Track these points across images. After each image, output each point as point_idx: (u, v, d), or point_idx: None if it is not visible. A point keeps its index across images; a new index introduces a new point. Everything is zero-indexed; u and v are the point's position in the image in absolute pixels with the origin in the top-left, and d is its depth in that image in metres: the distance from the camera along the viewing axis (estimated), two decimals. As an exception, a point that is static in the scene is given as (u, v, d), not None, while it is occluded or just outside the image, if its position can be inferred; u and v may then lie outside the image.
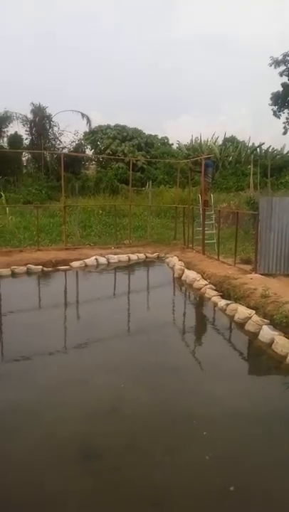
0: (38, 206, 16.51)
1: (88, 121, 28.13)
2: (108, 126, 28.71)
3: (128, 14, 58.76)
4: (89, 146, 29.21)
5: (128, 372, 5.29)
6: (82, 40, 56.56)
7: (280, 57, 20.82)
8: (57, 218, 16.75)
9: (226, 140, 30.62)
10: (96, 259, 11.96)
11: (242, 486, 3.25)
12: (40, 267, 10.80)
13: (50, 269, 10.94)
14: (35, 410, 4.32)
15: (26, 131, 26.50)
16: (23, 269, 10.52)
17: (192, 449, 3.73)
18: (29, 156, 26.76)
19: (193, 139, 31.00)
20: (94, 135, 28.26)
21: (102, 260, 12.08)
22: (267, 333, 6.19)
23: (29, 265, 10.69)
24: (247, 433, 4.02)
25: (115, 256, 12.44)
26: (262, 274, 8.94)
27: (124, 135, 27.83)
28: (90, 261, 11.77)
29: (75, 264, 11.41)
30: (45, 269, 10.82)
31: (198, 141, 30.39)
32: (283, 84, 21.59)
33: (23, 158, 26.94)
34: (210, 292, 8.66)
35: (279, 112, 22.50)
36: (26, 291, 9.44)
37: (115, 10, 59.09)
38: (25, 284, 10.01)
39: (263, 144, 27.56)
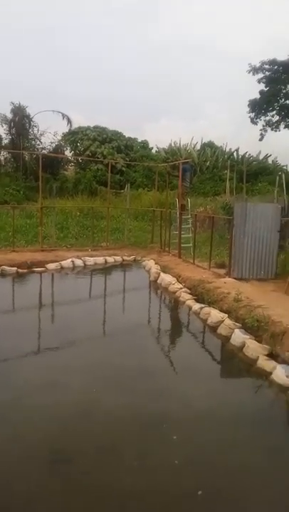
0: (15, 207, 16.30)
1: (69, 121, 27.95)
2: (88, 128, 28.60)
3: (110, 15, 58.71)
4: (68, 147, 29.04)
5: (100, 375, 5.29)
6: (63, 39, 56.07)
7: (258, 65, 21.26)
8: (34, 219, 16.59)
9: (204, 145, 30.95)
10: (72, 261, 11.90)
11: (210, 489, 3.30)
12: (15, 268, 10.67)
13: (25, 270, 10.82)
14: (3, 412, 4.28)
15: (5, 130, 26.15)
16: (-3, 270, 10.39)
17: (162, 454, 3.75)
18: (8, 155, 26.37)
19: (172, 142, 31.25)
20: (74, 136, 28.10)
21: (79, 262, 12.03)
22: (238, 336, 6.29)
23: (3, 266, 10.54)
24: (217, 436, 4.08)
25: (92, 258, 12.41)
26: (235, 279, 9.09)
27: (104, 137, 27.77)
28: (66, 263, 11.71)
29: (51, 266, 11.33)
30: (19, 270, 10.69)
31: (177, 145, 30.64)
32: (261, 92, 22.04)
33: (1, 158, 26.54)
34: (185, 296, 8.75)
35: (256, 118, 22.96)
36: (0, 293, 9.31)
37: (97, 10, 58.92)
38: (-1, 285, 9.87)
39: (238, 149, 28.05)
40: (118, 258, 12.98)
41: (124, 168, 26.54)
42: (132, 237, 15.70)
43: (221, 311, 7.31)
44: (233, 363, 6.05)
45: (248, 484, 3.41)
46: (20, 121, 25.93)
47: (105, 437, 3.99)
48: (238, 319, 6.83)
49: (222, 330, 6.78)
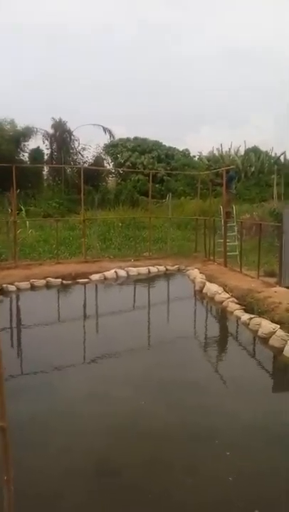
0: (58, 219, 16.59)
1: (110, 134, 28.43)
2: (128, 139, 28.91)
3: (148, 28, 59.49)
4: (109, 159, 29.47)
5: (148, 388, 5.12)
6: (103, 56, 57.48)
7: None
8: (77, 231, 16.78)
9: (248, 150, 30.37)
10: (116, 271, 11.83)
11: (266, 508, 3.06)
12: (60, 280, 10.73)
13: (69, 282, 10.86)
14: (53, 424, 4.24)
15: (47, 146, 26.95)
16: (43, 282, 10.47)
17: (214, 469, 3.53)
18: (49, 169, 27.13)
19: (215, 150, 30.92)
20: (114, 148, 28.49)
21: (122, 273, 11.94)
22: (293, 349, 5.89)
23: (48, 278, 10.63)
24: (273, 453, 3.80)
25: (135, 269, 12.28)
26: (286, 288, 8.61)
27: (143, 147, 27.93)
28: (110, 274, 11.65)
29: (95, 277, 11.31)
30: (64, 282, 10.74)
31: (220, 152, 30.26)
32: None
33: (44, 172, 27.33)
34: (232, 306, 8.38)
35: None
36: (46, 305, 9.37)
37: (136, 23, 59.98)
38: (44, 297, 9.94)
39: (284, 152, 27.17)
40: (161, 268, 12.78)
41: (165, 177, 26.49)
42: (175, 247, 15.47)
43: (272, 321, 6.90)
44: (288, 376, 5.66)
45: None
46: (61, 136, 26.64)
47: (154, 451, 3.81)
48: (292, 330, 6.40)
49: (274, 341, 6.37)
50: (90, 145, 27.70)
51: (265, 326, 6.78)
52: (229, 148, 30.36)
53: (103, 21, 56.02)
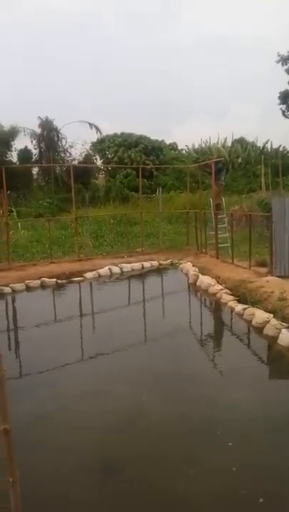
0: (50, 219, 16.60)
1: (97, 130, 28.30)
2: (115, 135, 28.81)
3: (130, 20, 59.03)
4: (98, 156, 29.36)
5: (148, 381, 5.24)
6: (82, 49, 56.97)
7: (287, 54, 20.62)
8: (69, 230, 16.81)
9: (234, 141, 30.44)
10: (109, 268, 11.92)
11: (271, 496, 3.15)
12: (54, 279, 10.81)
13: (64, 281, 10.94)
14: (55, 422, 4.34)
15: (34, 145, 26.80)
16: (38, 282, 10.54)
17: (218, 460, 3.63)
18: (39, 169, 27.01)
19: (202, 142, 30.95)
20: (101, 144, 28.39)
21: (116, 269, 12.03)
22: (286, 336, 6.05)
23: (43, 278, 10.70)
24: (274, 440, 3.92)
25: (128, 265, 12.38)
26: (278, 277, 8.76)
27: (130, 142, 27.84)
28: (104, 271, 11.74)
29: (89, 275, 11.39)
30: (59, 281, 10.82)
31: (207, 144, 30.31)
32: (290, 82, 21.40)
33: (33, 172, 27.20)
34: (226, 297, 8.53)
35: (288, 111, 22.26)
36: (41, 305, 9.44)
37: (116, 16, 59.52)
38: (40, 297, 10.02)
39: (268, 141, 27.36)
40: (154, 262, 12.89)
41: (154, 172, 26.48)
42: (167, 241, 15.58)
43: (266, 311, 7.06)
44: (283, 364, 5.82)
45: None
46: (49, 135, 26.50)
47: (156, 444, 3.92)
48: (285, 319, 6.58)
49: (268, 330, 6.53)
50: (77, 142, 27.60)
51: (259, 315, 6.92)
52: (217, 141, 30.43)
53: (85, 12, 55.51)
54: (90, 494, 3.27)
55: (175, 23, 56.35)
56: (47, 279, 10.70)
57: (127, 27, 57.44)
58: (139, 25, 58.49)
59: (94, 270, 11.65)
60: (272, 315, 6.76)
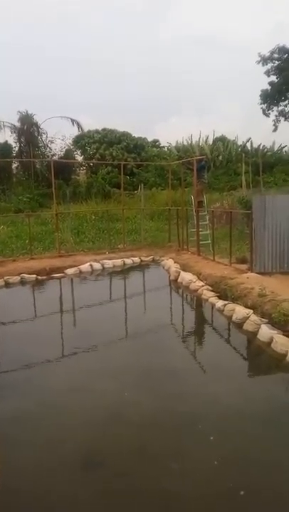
0: (30, 214, 16.37)
1: (78, 126, 28.06)
2: (96, 131, 28.60)
3: (117, 16, 58.78)
4: (79, 152, 29.12)
5: (129, 377, 5.23)
6: (67, 43, 56.39)
7: (267, 54, 20.86)
8: (49, 226, 16.63)
9: (216, 139, 30.64)
10: (90, 265, 11.85)
11: (251, 490, 3.20)
12: (34, 275, 10.67)
13: (44, 277, 10.82)
14: (37, 418, 4.30)
15: (14, 139, 26.38)
16: (17, 278, 10.40)
17: (200, 454, 3.66)
18: (18, 164, 26.60)
19: (184, 140, 31.06)
20: (82, 140, 28.15)
21: (97, 266, 11.97)
22: (265, 332, 6.13)
23: (23, 274, 10.55)
24: (254, 433, 3.97)
25: (110, 261, 12.33)
26: (258, 273, 8.88)
27: (111, 138, 27.70)
28: (85, 267, 11.66)
29: (70, 271, 11.30)
30: (39, 277, 10.69)
31: (189, 142, 30.43)
32: (271, 83, 21.64)
33: (13, 167, 26.77)
34: (207, 293, 8.59)
35: (268, 110, 22.54)
36: (21, 301, 9.32)
37: (102, 11, 59.12)
38: (19, 293, 9.87)
39: (250, 139, 27.64)
40: (136, 259, 12.88)
41: (134, 170, 26.43)
42: (149, 238, 15.58)
43: (246, 306, 7.14)
44: (262, 359, 5.90)
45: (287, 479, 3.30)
46: (29, 130, 26.12)
47: (140, 439, 3.93)
48: (264, 314, 6.66)
49: (248, 326, 6.61)
50: (58, 137, 27.31)
51: (239, 311, 7.00)
52: (199, 138, 30.57)
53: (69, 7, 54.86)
54: (71, 489, 3.26)
55: (163, 20, 56.42)
56: (26, 275, 10.56)
57: (114, 23, 57.25)
58: (126, 21, 58.31)
59: (75, 266, 11.55)
60: (252, 311, 6.84)
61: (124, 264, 12.47)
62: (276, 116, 22.61)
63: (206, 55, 56.42)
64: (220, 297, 8.21)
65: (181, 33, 59.72)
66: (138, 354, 6.08)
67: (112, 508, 3.13)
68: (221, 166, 27.47)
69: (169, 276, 10.76)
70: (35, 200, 21.66)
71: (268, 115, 22.61)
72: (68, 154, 27.35)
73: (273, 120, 22.79)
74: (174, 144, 31.53)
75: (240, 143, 30.21)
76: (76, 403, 4.62)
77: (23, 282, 10.41)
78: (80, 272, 11.46)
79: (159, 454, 3.70)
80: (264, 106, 22.34)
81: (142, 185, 19.04)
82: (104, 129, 28.81)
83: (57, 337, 6.99)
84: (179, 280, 10.11)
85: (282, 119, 22.57)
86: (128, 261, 12.64)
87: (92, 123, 39.48)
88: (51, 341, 6.69)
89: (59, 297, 9.66)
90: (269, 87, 21.67)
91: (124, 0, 57.34)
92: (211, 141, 30.60)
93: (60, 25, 56.50)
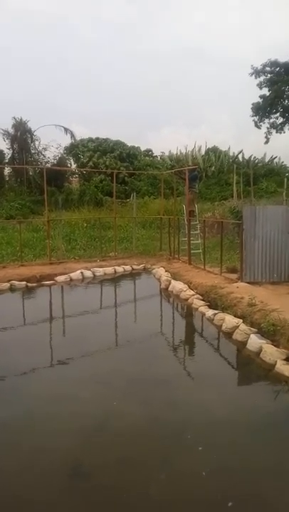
0: (21, 221, 16.32)
1: (72, 135, 28.18)
2: (90, 139, 28.73)
3: (107, 28, 59.43)
4: (72, 160, 29.21)
5: (118, 386, 5.19)
6: (62, 54, 56.83)
7: (260, 67, 21.16)
8: (41, 233, 16.59)
9: (208, 150, 30.95)
10: (81, 272, 11.82)
11: (239, 500, 3.19)
12: (24, 282, 10.61)
13: (34, 284, 10.76)
14: (23, 426, 4.25)
15: (7, 145, 26.40)
16: (7, 285, 10.32)
17: (188, 465, 3.64)
18: (11, 170, 26.58)
19: (178, 150, 31.35)
20: (75, 148, 28.23)
21: (88, 274, 11.94)
22: (255, 341, 6.15)
23: (12, 281, 10.48)
24: (243, 443, 3.97)
25: (101, 269, 12.32)
26: (248, 283, 8.93)
27: (105, 147, 27.84)
28: (76, 275, 11.62)
29: (60, 278, 11.25)
30: (29, 284, 10.63)
31: (183, 151, 30.72)
32: (262, 96, 21.91)
33: (5, 173, 26.74)
34: (197, 302, 8.61)
35: (260, 122, 22.79)
36: (10, 308, 9.24)
37: (94, 23, 59.75)
38: (8, 300, 9.79)
39: (242, 150, 27.96)
40: (127, 267, 12.88)
41: (127, 178, 26.54)
42: (141, 246, 15.60)
43: (235, 316, 7.17)
44: (251, 369, 5.90)
45: (278, 492, 3.32)
46: (22, 136, 26.16)
47: (127, 449, 3.89)
48: (254, 324, 6.69)
49: (237, 335, 6.62)
50: (51, 145, 27.38)
51: (229, 320, 7.02)
52: (193, 148, 30.86)
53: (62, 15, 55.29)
54: (56, 498, 3.22)
55: (153, 32, 57.07)
56: (17, 282, 10.50)
57: (107, 34, 57.78)
58: (118, 33, 58.91)
59: (66, 274, 11.51)
60: (241, 320, 6.87)
61: (116, 272, 12.46)
62: (268, 128, 22.86)
63: (199, 67, 57.18)
64: (210, 306, 8.24)
65: (173, 46, 60.59)
66: (127, 363, 6.04)
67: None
68: (213, 176, 27.73)
69: (160, 285, 10.77)
70: (27, 206, 21.63)
71: (259, 127, 22.85)
72: (61, 162, 27.41)
73: (265, 132, 23.04)
74: (167, 154, 31.77)
75: (232, 154, 30.57)
76: (63, 411, 4.57)
77: (12, 289, 10.33)
78: (71, 279, 11.42)
79: (146, 463, 3.68)
80: (256, 118, 22.59)
81: (135, 193, 19.12)
82: (98, 138, 28.97)
83: (45, 345, 6.91)
84: (170, 289, 10.13)
85: (273, 131, 22.83)
86: (119, 269, 12.63)
87: (86, 131, 39.72)
88: (39, 349, 6.61)
89: (49, 305, 9.60)
90: (261, 100, 21.94)
91: (114, 11, 58.05)
92: (203, 152, 30.90)
93: (56, 36, 56.91)
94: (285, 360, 5.53)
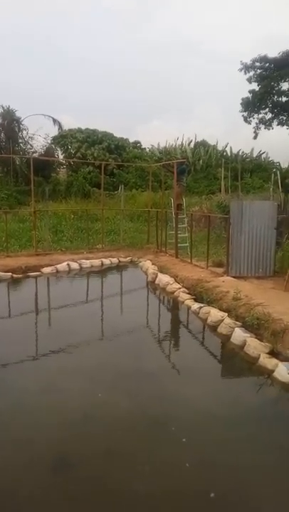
0: (7, 211, 16.12)
1: (59, 125, 27.83)
2: (78, 130, 28.44)
3: (100, 16, 58.63)
4: (60, 150, 28.89)
5: (103, 379, 5.22)
6: (54, 41, 55.92)
7: (250, 63, 21.13)
8: (27, 223, 16.42)
9: (197, 144, 30.95)
10: (68, 264, 11.77)
11: (221, 492, 3.25)
12: (10, 273, 10.52)
13: (20, 275, 10.68)
14: (8, 418, 4.24)
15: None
16: (-8, 276, 10.23)
17: (172, 457, 3.67)
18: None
19: (167, 143, 31.25)
20: (63, 139, 27.93)
21: (75, 265, 11.90)
22: (239, 335, 6.23)
23: (-2, 272, 10.40)
24: (226, 436, 4.03)
25: (88, 261, 12.28)
26: (234, 277, 9.01)
27: (93, 138, 27.61)
28: (62, 266, 11.57)
29: (47, 270, 11.19)
30: (14, 275, 10.55)
31: (171, 144, 30.64)
32: (252, 91, 21.92)
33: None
34: (183, 296, 8.66)
35: (249, 117, 22.80)
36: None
37: (87, 11, 58.88)
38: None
39: (227, 144, 28.02)
40: (114, 260, 12.87)
41: (115, 170, 26.38)
42: (128, 239, 15.59)
43: (221, 310, 7.24)
44: (235, 362, 6.00)
45: (258, 484, 3.37)
46: (10, 125, 25.72)
47: (112, 440, 3.92)
48: (238, 318, 6.77)
49: (222, 329, 6.70)
50: (39, 134, 26.99)
51: (214, 314, 7.09)
52: (182, 142, 30.80)
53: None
54: (40, 491, 3.24)
55: (150, 23, 56.58)
56: (2, 273, 10.41)
57: (101, 23, 57.06)
58: (113, 22, 58.25)
59: (52, 265, 11.46)
60: (226, 314, 6.95)
61: (103, 264, 12.44)
62: (256, 123, 22.89)
63: (188, 62, 56.92)
64: (196, 300, 8.30)
65: (166, 37, 60.10)
66: (113, 355, 6.06)
67: (80, 508, 3.12)
68: (201, 170, 27.75)
69: (147, 278, 10.79)
70: (13, 196, 21.32)
71: (249, 122, 22.86)
72: (49, 152, 27.08)
73: (254, 127, 23.07)
74: (156, 146, 31.67)
75: (220, 148, 30.63)
76: (49, 403, 4.57)
77: (-3, 280, 10.25)
78: (57, 271, 11.37)
79: (131, 454, 3.71)
80: (245, 113, 22.60)
81: (122, 185, 19.04)
82: (86, 129, 28.69)
83: (30, 337, 6.88)
84: (156, 282, 10.16)
85: (262, 126, 22.89)
86: (106, 261, 12.62)
87: (74, 121, 39.32)
88: (23, 341, 6.57)
89: (34, 296, 9.55)
90: (250, 95, 21.94)
91: (112, 1, 57.34)
92: (192, 146, 30.88)
93: (48, 23, 55.99)
94: (268, 353, 5.62)
